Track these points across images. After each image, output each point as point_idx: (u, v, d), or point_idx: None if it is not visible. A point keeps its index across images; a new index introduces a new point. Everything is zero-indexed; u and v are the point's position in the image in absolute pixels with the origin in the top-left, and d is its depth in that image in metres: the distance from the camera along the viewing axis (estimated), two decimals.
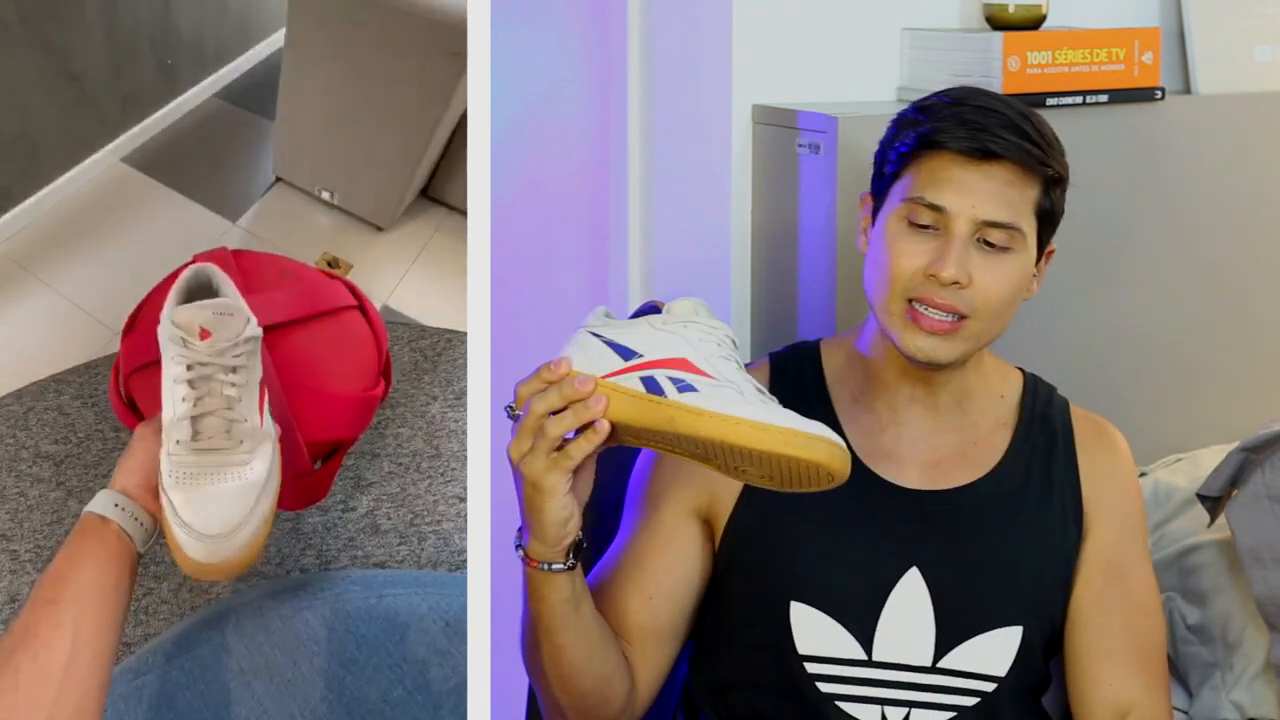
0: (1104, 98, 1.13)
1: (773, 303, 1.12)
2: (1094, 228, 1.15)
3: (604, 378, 0.73)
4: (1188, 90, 1.25)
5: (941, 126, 0.82)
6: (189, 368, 0.79)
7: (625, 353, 0.73)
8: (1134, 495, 0.92)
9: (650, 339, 0.73)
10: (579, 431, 0.72)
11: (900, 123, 0.86)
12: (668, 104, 1.19)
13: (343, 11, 1.67)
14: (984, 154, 0.81)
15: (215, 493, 0.78)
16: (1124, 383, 1.19)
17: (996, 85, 1.09)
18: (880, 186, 0.87)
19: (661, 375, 0.72)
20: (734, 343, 0.76)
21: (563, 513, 0.74)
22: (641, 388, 0.72)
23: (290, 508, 1.29)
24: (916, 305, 0.82)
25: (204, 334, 0.80)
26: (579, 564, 0.79)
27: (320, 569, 1.23)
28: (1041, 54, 1.10)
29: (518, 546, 0.78)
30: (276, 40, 2.36)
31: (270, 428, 0.84)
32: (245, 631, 0.93)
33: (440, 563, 1.26)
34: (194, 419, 0.78)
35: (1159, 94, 1.16)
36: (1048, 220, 0.86)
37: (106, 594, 0.75)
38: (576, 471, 0.74)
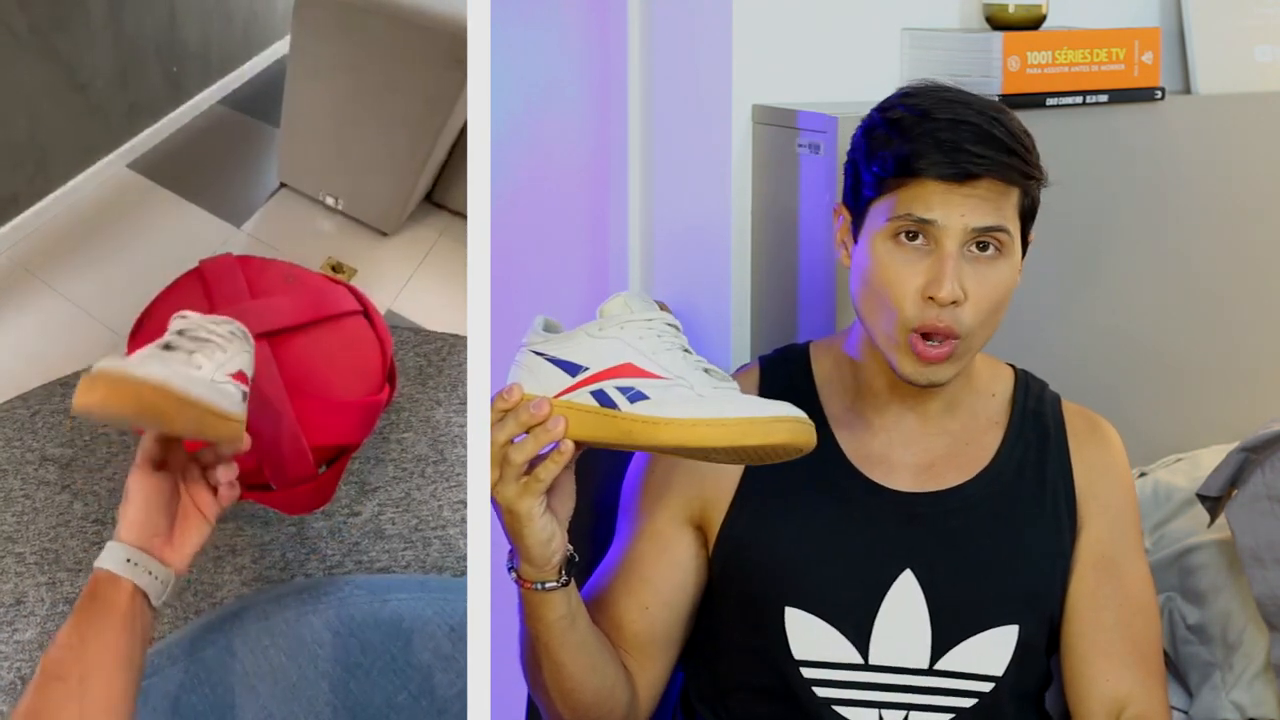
0: (1104, 98, 1.11)
1: (773, 303, 1.10)
2: (1093, 228, 1.14)
3: (557, 397, 0.71)
4: (1188, 90, 1.23)
5: (918, 150, 0.81)
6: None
7: (570, 368, 0.71)
8: (1127, 489, 0.91)
9: (592, 349, 0.71)
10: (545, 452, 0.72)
11: (871, 138, 0.84)
12: (667, 104, 1.17)
13: (347, 20, 1.68)
14: (964, 176, 0.80)
15: None
16: (1124, 383, 1.16)
17: (996, 85, 1.07)
18: (857, 203, 0.85)
19: (610, 387, 0.70)
20: (676, 327, 0.73)
21: (543, 534, 0.74)
22: (594, 403, 0.70)
23: (295, 512, 1.29)
24: (919, 337, 0.81)
25: None
26: (572, 580, 0.78)
27: (324, 574, 1.23)
28: (1041, 54, 1.08)
29: (510, 569, 0.78)
30: (281, 48, 2.37)
31: None
32: (250, 635, 0.93)
33: (445, 568, 1.26)
34: None
35: (1159, 94, 1.14)
36: (1029, 217, 0.85)
37: (117, 667, 0.72)
38: (553, 489, 0.73)
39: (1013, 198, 0.83)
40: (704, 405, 0.69)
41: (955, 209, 0.81)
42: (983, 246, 0.82)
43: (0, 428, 1.38)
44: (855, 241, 0.86)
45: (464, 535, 1.27)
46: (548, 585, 0.77)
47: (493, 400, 0.73)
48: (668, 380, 0.70)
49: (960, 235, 0.81)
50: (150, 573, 0.76)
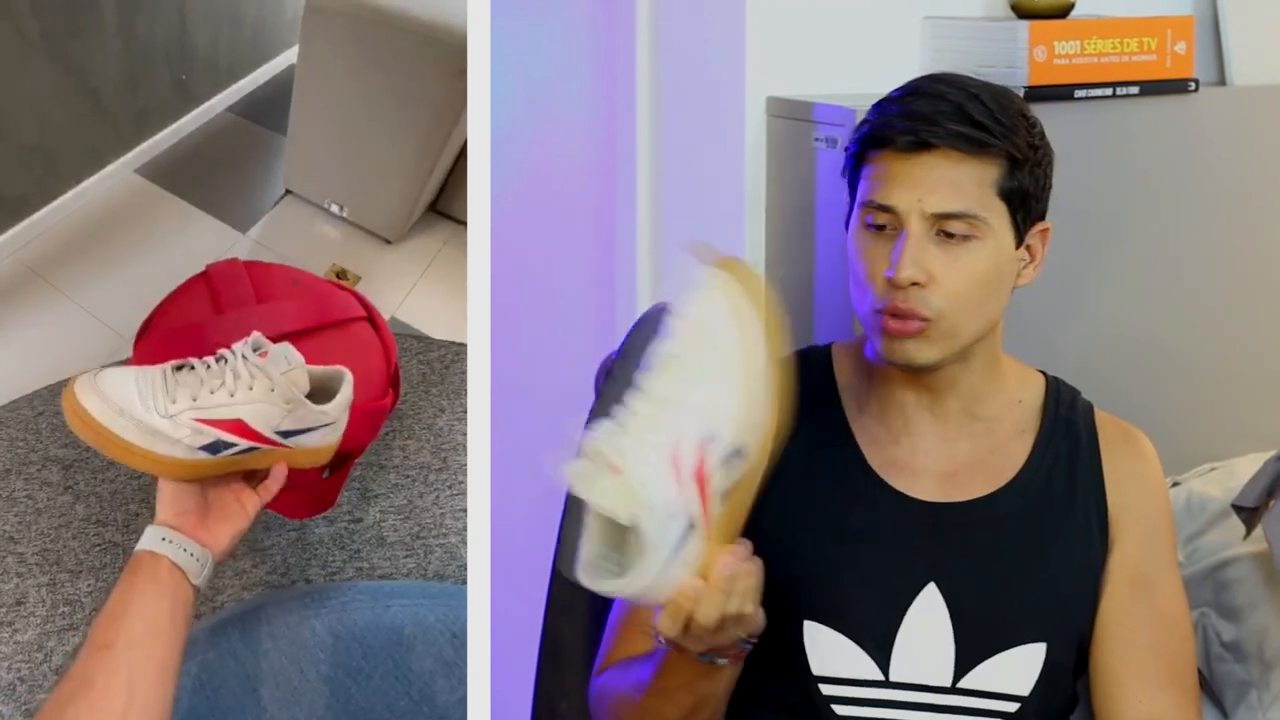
0: (1135, 90, 1.06)
1: (788, 305, 1.00)
2: (1122, 226, 1.08)
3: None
4: (1223, 81, 1.18)
5: (885, 122, 0.79)
6: None
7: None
8: (1162, 503, 0.87)
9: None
10: None
11: (857, 126, 0.82)
12: (678, 96, 1.12)
13: (355, 30, 1.68)
14: (920, 145, 0.78)
15: None
16: (1155, 388, 1.11)
17: (1022, 76, 1.02)
18: (851, 192, 0.83)
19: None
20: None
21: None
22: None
23: (298, 516, 1.28)
24: (887, 313, 0.79)
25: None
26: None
27: (325, 580, 1.22)
28: (1069, 44, 1.04)
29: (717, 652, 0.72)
30: (289, 56, 2.38)
31: None
32: (252, 638, 0.92)
33: (447, 575, 1.24)
34: None
35: (1192, 86, 1.09)
36: (1019, 201, 0.80)
37: (160, 635, 0.74)
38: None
39: (986, 177, 0.79)
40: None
41: (913, 190, 0.78)
42: (949, 233, 0.78)
43: (4, 428, 1.38)
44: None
45: (465, 543, 1.26)
46: (748, 644, 0.73)
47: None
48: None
49: (921, 221, 0.78)
50: (186, 550, 0.77)
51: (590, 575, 0.66)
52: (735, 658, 0.73)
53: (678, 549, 0.65)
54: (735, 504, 0.68)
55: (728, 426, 0.65)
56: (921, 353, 0.80)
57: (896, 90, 0.83)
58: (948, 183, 0.78)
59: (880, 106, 0.82)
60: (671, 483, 0.64)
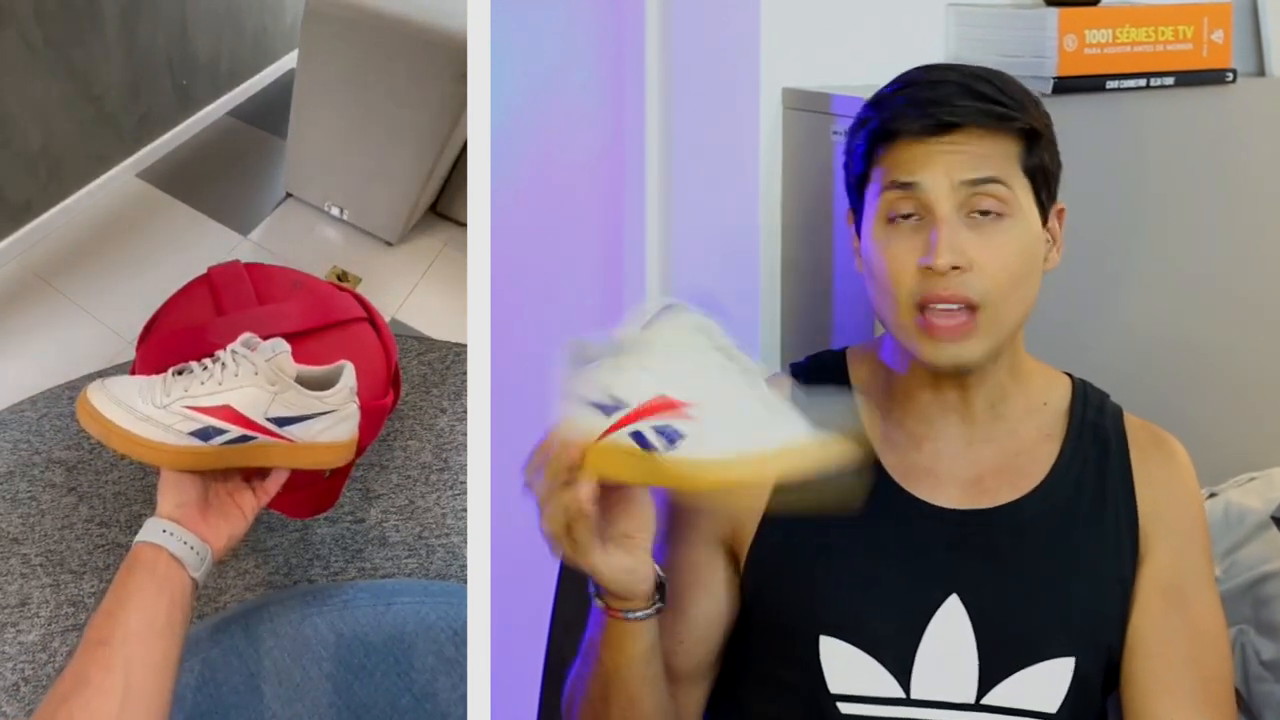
0: (1170, 80, 1.02)
1: (805, 305, 1.02)
2: (1158, 221, 1.04)
3: (601, 437, 0.65)
4: (1261, 72, 1.14)
5: (893, 114, 0.76)
6: None
7: (607, 409, 0.65)
8: (1196, 511, 0.83)
9: (623, 381, 0.65)
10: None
11: (856, 126, 0.79)
12: (689, 87, 1.08)
13: (354, 34, 1.68)
14: (941, 127, 0.74)
15: None
16: (1191, 393, 1.06)
17: (1051, 66, 0.98)
18: (855, 200, 0.80)
19: (646, 427, 0.64)
20: (701, 328, 0.66)
21: (608, 569, 0.67)
22: (635, 444, 0.65)
23: (300, 515, 1.29)
24: (927, 311, 0.74)
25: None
26: (663, 604, 0.71)
27: (328, 580, 1.22)
28: (1101, 32, 1.00)
29: (597, 595, 0.71)
30: (289, 61, 2.39)
31: None
32: (255, 636, 0.92)
33: (449, 576, 1.24)
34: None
35: (1230, 76, 1.05)
36: (1041, 178, 0.77)
37: (157, 632, 0.73)
38: (623, 517, 0.68)
39: (1009, 151, 0.75)
40: (740, 435, 0.63)
41: (938, 166, 0.74)
42: (984, 212, 0.75)
43: (8, 430, 1.38)
44: (859, 239, 0.79)
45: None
46: (636, 614, 0.71)
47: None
48: (703, 415, 0.64)
49: (949, 195, 0.74)
50: (185, 543, 0.78)
51: None
52: (648, 609, 0.71)
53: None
54: (636, 462, 0.65)
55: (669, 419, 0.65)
56: (969, 351, 0.75)
57: (887, 87, 0.79)
58: (974, 155, 0.75)
59: (879, 103, 0.78)
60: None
